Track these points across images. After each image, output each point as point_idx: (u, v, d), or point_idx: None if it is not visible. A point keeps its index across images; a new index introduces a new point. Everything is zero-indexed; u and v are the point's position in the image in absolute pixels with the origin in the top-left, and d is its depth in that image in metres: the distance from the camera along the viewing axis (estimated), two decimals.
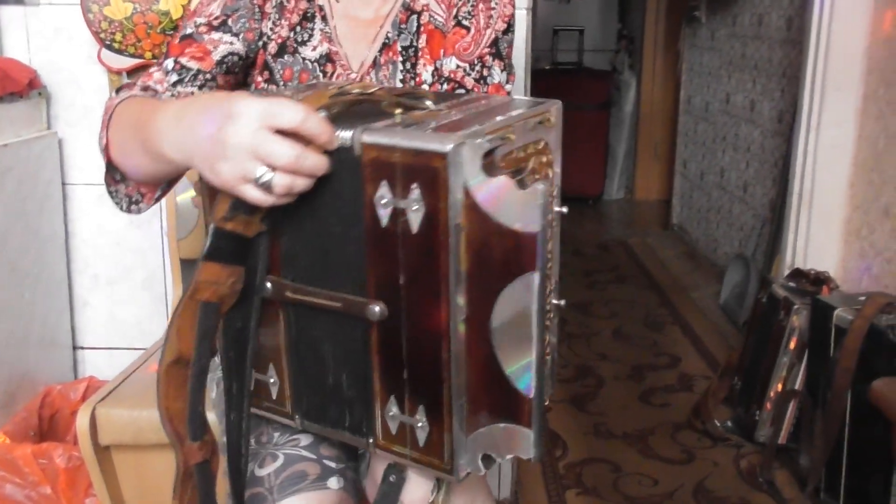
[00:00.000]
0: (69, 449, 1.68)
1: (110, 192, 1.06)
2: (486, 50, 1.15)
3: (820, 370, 2.05)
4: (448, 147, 0.75)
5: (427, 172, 0.77)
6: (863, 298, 1.99)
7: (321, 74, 1.16)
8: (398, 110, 0.86)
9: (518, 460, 1.80)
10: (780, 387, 2.24)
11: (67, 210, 2.05)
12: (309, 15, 1.17)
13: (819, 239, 2.50)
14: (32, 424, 1.83)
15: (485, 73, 1.15)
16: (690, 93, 4.35)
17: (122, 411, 1.48)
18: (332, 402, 0.93)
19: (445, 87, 1.15)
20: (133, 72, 1.95)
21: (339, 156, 0.81)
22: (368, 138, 0.80)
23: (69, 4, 1.92)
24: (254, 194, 0.78)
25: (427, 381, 0.85)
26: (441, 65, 1.16)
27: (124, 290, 2.09)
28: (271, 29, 1.15)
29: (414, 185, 0.78)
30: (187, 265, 1.89)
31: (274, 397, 0.96)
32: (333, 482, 1.02)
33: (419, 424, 0.87)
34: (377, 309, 0.84)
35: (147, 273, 2.08)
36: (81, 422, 1.46)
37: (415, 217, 0.79)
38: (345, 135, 0.81)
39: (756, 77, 3.36)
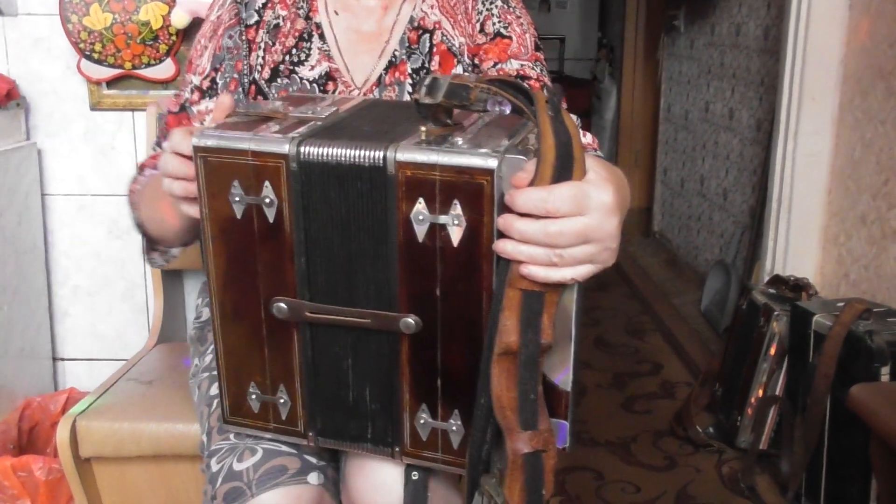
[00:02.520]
0: (49, 462, 1.66)
1: (149, 261, 1.25)
2: (535, 53, 1.21)
3: (800, 376, 2.07)
4: (494, 164, 0.78)
5: (470, 188, 0.80)
6: (841, 304, 2.00)
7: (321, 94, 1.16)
8: (422, 127, 0.86)
9: None
10: (760, 393, 2.26)
11: (46, 221, 2.03)
12: (305, 35, 1.16)
13: (798, 245, 2.53)
14: (12, 437, 1.82)
15: (541, 68, 1.20)
16: (670, 101, 4.38)
17: (102, 423, 1.47)
18: (352, 418, 0.94)
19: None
20: (112, 82, 1.94)
21: (370, 175, 0.83)
22: (403, 157, 0.81)
23: (48, 14, 1.91)
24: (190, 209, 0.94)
25: (464, 387, 0.87)
26: (497, 67, 1.19)
27: (104, 302, 2.08)
28: (262, 56, 1.16)
29: (455, 202, 0.80)
30: (168, 276, 1.88)
31: (284, 418, 0.96)
32: (313, 478, 1.02)
33: (453, 429, 0.89)
34: (412, 322, 0.86)
35: (127, 284, 2.07)
36: (62, 434, 1.45)
37: (455, 231, 0.82)
38: (376, 154, 0.82)
39: (735, 86, 3.40)
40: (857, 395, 1.62)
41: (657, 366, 2.99)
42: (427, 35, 1.17)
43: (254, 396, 0.96)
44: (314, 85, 1.15)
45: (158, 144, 1.25)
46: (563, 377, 0.85)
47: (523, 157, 0.80)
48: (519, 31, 1.20)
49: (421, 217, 0.82)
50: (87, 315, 2.09)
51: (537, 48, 1.21)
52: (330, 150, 0.84)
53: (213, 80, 1.18)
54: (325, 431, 0.96)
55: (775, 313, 2.23)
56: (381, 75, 1.17)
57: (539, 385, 0.82)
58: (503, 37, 1.19)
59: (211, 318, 0.95)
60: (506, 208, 0.79)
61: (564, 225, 0.76)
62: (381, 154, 0.82)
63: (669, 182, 4.36)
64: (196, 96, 1.19)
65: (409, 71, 1.16)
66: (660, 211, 4.53)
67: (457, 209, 0.81)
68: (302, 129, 0.88)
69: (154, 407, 1.50)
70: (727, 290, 3.18)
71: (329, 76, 1.16)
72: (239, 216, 0.88)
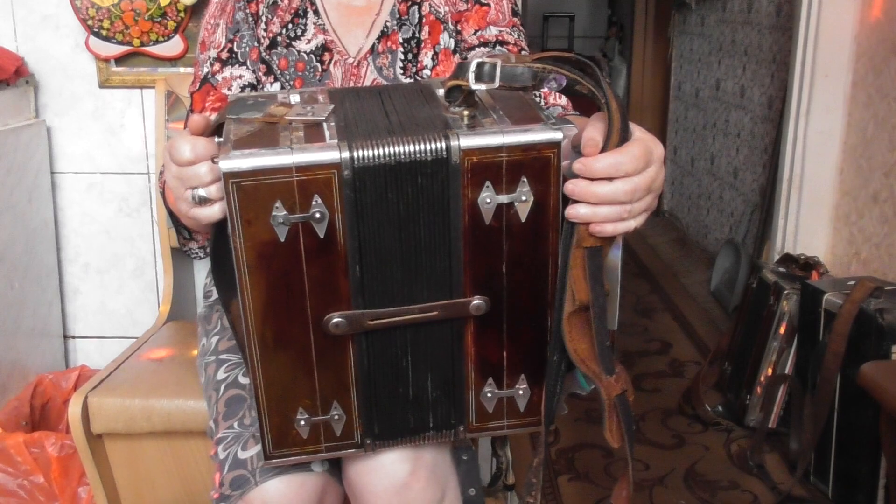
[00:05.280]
0: (61, 438, 1.68)
1: (186, 252, 1.25)
2: (512, 19, 1.26)
3: (809, 355, 2.07)
4: (559, 136, 0.81)
5: (537, 163, 0.81)
6: (852, 283, 2.00)
7: (318, 65, 1.20)
8: (465, 112, 0.86)
9: (512, 446, 1.81)
10: (769, 371, 2.26)
11: (56, 199, 2.04)
12: (301, 12, 1.21)
13: (808, 224, 2.51)
14: (24, 414, 1.83)
15: (518, 34, 1.25)
16: (680, 79, 4.35)
17: (114, 400, 1.47)
18: (411, 412, 0.93)
19: (493, 49, 1.23)
20: (121, 59, 1.94)
21: (431, 168, 0.82)
22: (468, 143, 0.81)
23: None
24: (202, 213, 0.88)
25: (530, 352, 0.90)
26: (477, 34, 1.24)
27: (115, 279, 2.09)
28: (264, 29, 1.20)
29: (523, 179, 0.82)
30: (178, 254, 1.88)
31: (338, 434, 0.93)
32: (317, 465, 1.03)
33: (520, 393, 0.92)
34: (481, 303, 0.87)
35: (137, 262, 2.08)
36: (73, 410, 1.45)
37: (523, 208, 0.83)
38: (437, 146, 0.81)
39: (746, 63, 3.37)
40: (868, 372, 1.62)
41: (666, 344, 2.99)
42: (416, 7, 1.23)
43: (302, 422, 0.91)
44: (311, 56, 1.20)
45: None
46: (611, 317, 0.88)
47: (574, 125, 0.82)
48: None
49: (488, 200, 0.83)
50: (97, 293, 2.10)
51: (514, 14, 1.26)
52: (385, 149, 0.81)
53: (231, 51, 1.21)
54: (383, 434, 0.94)
55: (785, 292, 2.22)
56: (373, 44, 1.22)
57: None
58: (481, 4, 1.24)
59: (247, 353, 0.88)
60: (565, 176, 0.82)
61: (637, 182, 0.81)
62: (443, 145, 0.81)
63: (679, 161, 4.33)
64: (217, 67, 1.21)
65: (401, 40, 1.22)
66: (669, 190, 4.51)
67: (524, 186, 0.82)
68: (329, 133, 0.84)
69: (165, 384, 1.51)
70: (737, 269, 3.17)
71: (325, 47, 1.21)
72: (283, 239, 0.82)
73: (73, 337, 2.13)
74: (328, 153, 0.80)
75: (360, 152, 0.81)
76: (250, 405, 1.10)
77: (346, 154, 0.80)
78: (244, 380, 1.15)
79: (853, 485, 1.91)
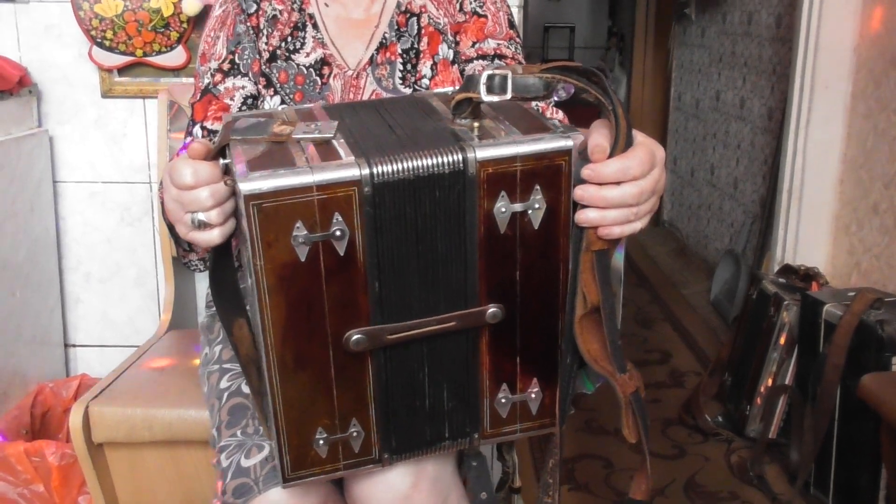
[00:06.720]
0: (62, 447, 1.68)
1: (185, 264, 1.21)
2: (509, 31, 1.27)
3: (809, 366, 2.07)
4: (570, 144, 0.83)
5: (550, 171, 0.83)
6: (852, 294, 2.00)
7: (318, 78, 1.21)
8: (476, 124, 0.87)
9: (518, 453, 1.81)
10: (770, 382, 2.26)
11: (58, 208, 2.04)
12: (300, 25, 1.23)
13: (808, 235, 2.52)
14: (24, 422, 1.83)
15: (515, 47, 1.28)
16: (681, 90, 4.36)
17: (115, 409, 1.48)
18: (428, 424, 0.93)
19: (493, 62, 1.25)
20: (124, 69, 1.94)
21: (449, 181, 0.82)
22: (484, 155, 0.82)
23: (59, 1, 1.92)
24: (201, 237, 0.88)
25: (542, 356, 0.91)
26: (476, 46, 1.26)
27: (116, 288, 2.09)
28: (264, 42, 1.22)
29: (536, 187, 0.83)
30: (179, 263, 1.89)
31: (357, 451, 0.92)
32: None
33: (532, 396, 0.93)
34: (497, 311, 0.88)
35: (139, 271, 2.08)
36: (74, 419, 1.46)
37: (536, 215, 0.85)
38: (454, 158, 0.82)
39: (746, 74, 3.38)
40: (868, 384, 1.62)
41: (666, 355, 2.99)
42: (414, 18, 1.24)
43: (321, 442, 0.89)
44: (310, 70, 1.21)
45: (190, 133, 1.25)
46: (620, 316, 0.91)
47: (580, 133, 0.84)
48: (493, 10, 1.26)
49: (503, 210, 0.84)
50: (98, 301, 2.10)
51: (511, 25, 1.28)
52: (403, 164, 0.81)
53: (233, 62, 1.21)
54: (401, 447, 0.93)
55: (785, 303, 2.22)
56: (372, 56, 1.23)
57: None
58: (479, 15, 1.26)
59: (264, 375, 0.86)
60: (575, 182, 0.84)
61: (643, 185, 0.84)
62: (460, 157, 0.81)
63: (679, 171, 4.34)
64: (218, 77, 1.21)
65: (399, 51, 1.23)
66: (669, 200, 4.52)
67: (538, 194, 0.84)
68: (343, 151, 0.83)
69: (166, 393, 1.51)
70: (737, 279, 3.17)
71: (324, 61, 1.22)
72: (303, 259, 0.81)
73: (74, 345, 2.13)
74: (348, 170, 0.80)
75: (379, 168, 0.80)
76: (253, 414, 1.10)
77: (365, 171, 0.80)
78: (247, 389, 1.15)
79: (853, 496, 1.91)
